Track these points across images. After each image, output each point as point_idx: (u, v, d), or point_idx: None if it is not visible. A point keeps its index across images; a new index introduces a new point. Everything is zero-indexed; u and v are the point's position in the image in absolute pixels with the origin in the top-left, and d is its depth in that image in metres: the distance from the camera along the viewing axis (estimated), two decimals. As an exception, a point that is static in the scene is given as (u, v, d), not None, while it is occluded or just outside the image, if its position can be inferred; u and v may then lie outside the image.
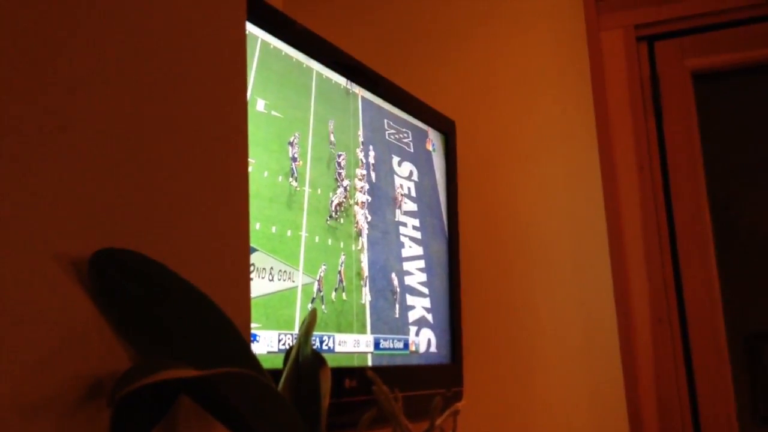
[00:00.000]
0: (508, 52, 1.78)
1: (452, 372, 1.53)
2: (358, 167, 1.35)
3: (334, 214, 1.26)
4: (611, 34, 1.69)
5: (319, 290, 1.18)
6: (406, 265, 1.48)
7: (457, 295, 1.58)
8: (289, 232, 1.14)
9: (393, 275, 1.42)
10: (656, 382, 1.55)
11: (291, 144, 1.16)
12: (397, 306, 1.41)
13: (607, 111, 1.66)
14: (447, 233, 1.61)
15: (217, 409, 0.54)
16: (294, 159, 1.16)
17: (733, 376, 1.60)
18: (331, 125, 1.28)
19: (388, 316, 1.37)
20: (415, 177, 1.54)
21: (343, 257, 1.26)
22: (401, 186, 1.50)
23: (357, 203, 1.33)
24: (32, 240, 0.47)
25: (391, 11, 1.90)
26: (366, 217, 1.36)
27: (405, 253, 1.49)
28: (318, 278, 1.18)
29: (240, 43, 0.71)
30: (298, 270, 1.14)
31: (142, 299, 0.52)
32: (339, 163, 1.29)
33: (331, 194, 1.26)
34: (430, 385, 1.38)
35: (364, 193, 1.36)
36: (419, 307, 1.50)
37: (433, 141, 1.61)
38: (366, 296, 1.31)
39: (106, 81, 0.55)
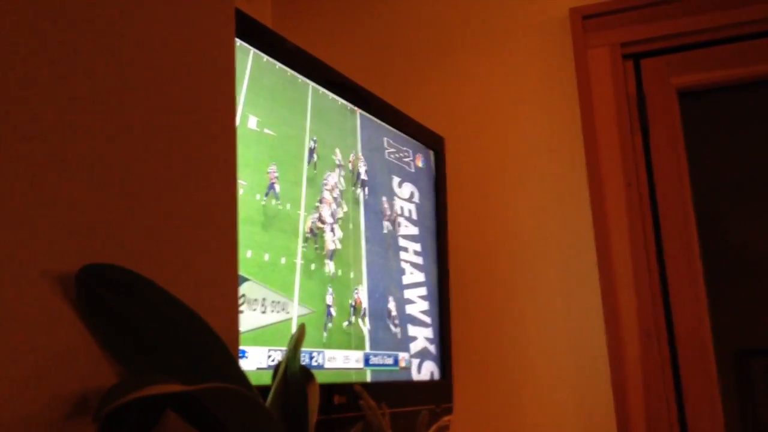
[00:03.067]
0: (496, 70, 1.80)
1: (442, 388, 1.53)
2: (355, 187, 1.29)
3: (309, 235, 1.18)
4: (598, 51, 1.71)
5: (329, 315, 1.15)
6: (408, 293, 1.40)
7: (446, 311, 1.58)
8: (283, 260, 1.07)
9: (391, 304, 1.33)
10: (645, 397, 1.55)
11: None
12: (398, 334, 1.33)
13: (594, 128, 1.68)
14: (436, 249, 1.61)
15: (204, 424, 0.54)
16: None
17: (721, 391, 1.61)
18: (329, 143, 1.25)
19: (387, 345, 1.30)
20: (416, 199, 1.49)
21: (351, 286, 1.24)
22: (401, 208, 1.43)
23: (347, 227, 1.29)
24: (17, 255, 0.47)
25: (381, 28, 1.92)
26: (363, 241, 1.28)
27: (406, 279, 1.40)
28: (328, 304, 1.15)
29: (228, 61, 0.71)
30: (292, 301, 1.07)
31: (128, 315, 0.52)
32: (325, 184, 1.24)
33: (310, 217, 1.19)
34: (419, 401, 1.38)
35: (361, 217, 1.29)
36: (421, 338, 1.43)
37: (423, 157, 1.62)
38: (365, 327, 1.25)
39: (93, 95, 0.55)
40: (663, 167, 1.67)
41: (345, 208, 1.28)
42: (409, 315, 1.40)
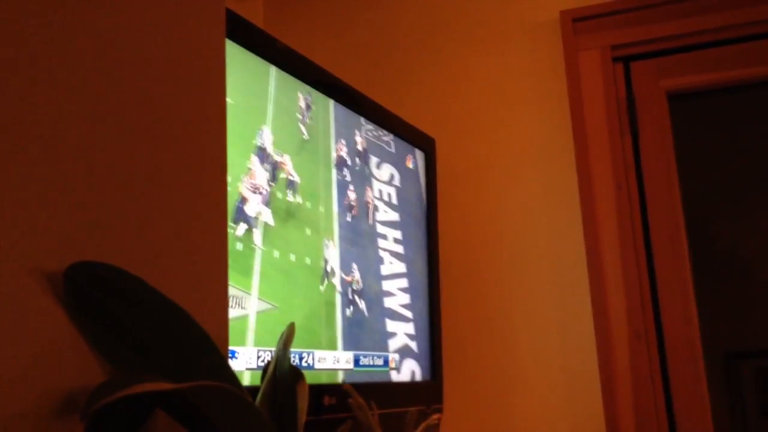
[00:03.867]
0: (487, 72, 1.80)
1: (432, 389, 1.53)
2: (330, 167, 1.19)
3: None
4: (588, 54, 1.72)
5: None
6: (387, 285, 1.30)
7: (437, 312, 1.59)
8: (239, 245, 0.96)
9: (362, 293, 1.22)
10: (634, 398, 1.56)
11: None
12: (374, 329, 1.24)
13: (584, 130, 1.68)
14: (427, 249, 1.61)
15: (193, 423, 0.54)
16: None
17: (711, 393, 1.62)
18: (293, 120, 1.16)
19: (364, 342, 1.21)
20: (396, 181, 1.39)
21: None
22: (380, 192, 1.32)
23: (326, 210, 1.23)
24: (5, 253, 0.47)
25: (373, 29, 1.92)
26: (337, 227, 1.17)
27: (385, 270, 1.30)
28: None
29: (219, 61, 0.71)
30: (250, 294, 0.97)
31: (117, 313, 0.52)
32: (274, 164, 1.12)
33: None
34: (410, 402, 1.38)
35: (333, 198, 1.18)
36: (401, 333, 1.35)
37: (414, 158, 1.62)
38: (338, 317, 1.16)
39: (82, 93, 0.55)
40: (652, 169, 1.68)
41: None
42: (389, 309, 1.30)
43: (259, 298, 0.98)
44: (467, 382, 1.68)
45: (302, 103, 1.22)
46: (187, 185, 0.64)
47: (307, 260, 1.14)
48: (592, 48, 1.72)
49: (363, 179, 1.32)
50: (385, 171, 1.36)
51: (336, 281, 1.22)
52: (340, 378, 1.22)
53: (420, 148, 1.64)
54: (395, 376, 1.40)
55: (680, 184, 1.69)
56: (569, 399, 1.61)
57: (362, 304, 1.29)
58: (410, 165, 1.60)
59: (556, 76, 1.74)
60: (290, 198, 1.12)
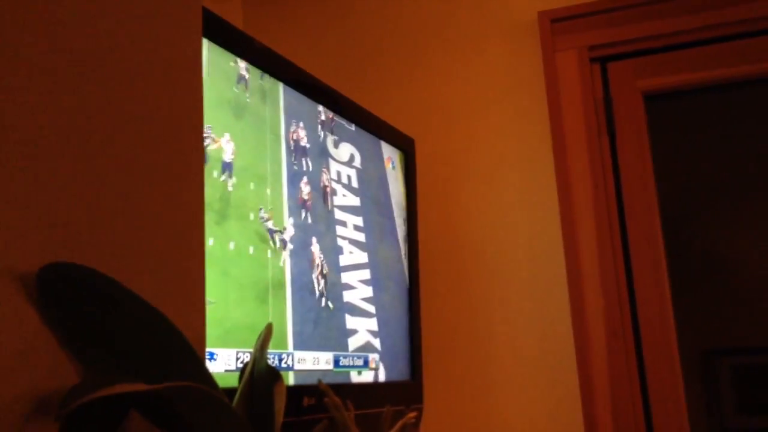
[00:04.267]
0: (466, 72, 1.81)
1: (412, 389, 1.53)
2: (278, 149, 1.10)
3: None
4: (566, 55, 1.73)
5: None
6: (346, 277, 1.19)
7: (416, 313, 1.59)
8: None
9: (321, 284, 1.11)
10: (612, 395, 1.57)
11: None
12: (333, 327, 1.14)
13: (562, 130, 1.69)
14: (406, 250, 1.61)
15: (168, 424, 0.54)
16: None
17: (687, 390, 1.63)
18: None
19: (317, 341, 1.14)
20: (357, 162, 1.28)
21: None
22: (338, 173, 1.20)
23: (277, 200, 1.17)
24: (-22, 254, 0.46)
25: (351, 30, 1.92)
26: (287, 211, 1.05)
27: (344, 260, 1.19)
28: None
29: (195, 61, 0.71)
30: None
31: (91, 314, 0.51)
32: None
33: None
34: (390, 402, 1.38)
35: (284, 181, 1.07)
36: (363, 330, 1.27)
37: (393, 159, 1.62)
38: (288, 313, 1.06)
39: (57, 93, 0.54)
40: (629, 169, 1.69)
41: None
42: (348, 303, 1.20)
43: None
44: (447, 381, 1.69)
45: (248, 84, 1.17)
46: (163, 186, 0.64)
47: (251, 249, 1.05)
48: (570, 48, 1.73)
49: (319, 159, 1.20)
50: (344, 150, 1.23)
51: (287, 272, 1.14)
52: (321, 379, 1.21)
53: (399, 149, 1.65)
54: (375, 377, 1.40)
55: (656, 183, 1.71)
56: (548, 397, 1.62)
57: (324, 297, 1.21)
58: (389, 166, 1.60)
59: (534, 76, 1.75)
60: (225, 179, 1.04)
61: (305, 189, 1.19)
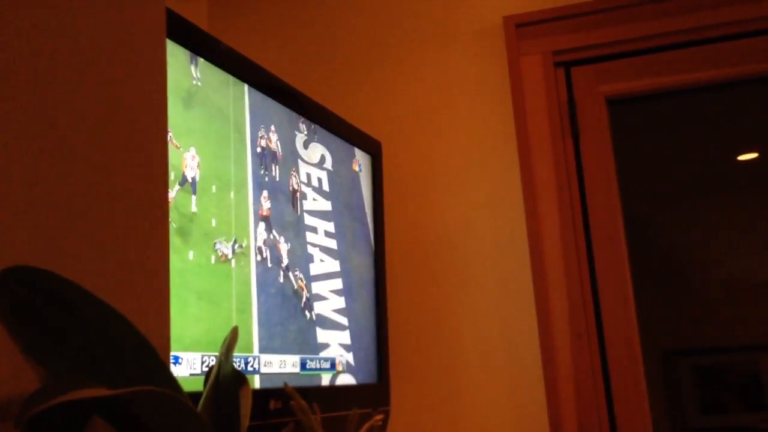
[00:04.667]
0: (432, 75, 1.82)
1: (378, 391, 1.53)
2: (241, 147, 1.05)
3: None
4: (530, 59, 1.75)
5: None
6: (317, 287, 1.14)
7: (383, 315, 1.59)
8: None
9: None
10: (576, 395, 1.59)
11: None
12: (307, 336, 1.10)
13: (527, 133, 1.71)
14: (373, 252, 1.61)
15: (131, 429, 0.53)
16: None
17: (649, 389, 1.66)
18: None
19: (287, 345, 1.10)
20: (328, 164, 1.23)
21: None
22: (308, 176, 1.14)
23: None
24: (-66, 257, 0.45)
25: (318, 32, 1.92)
26: (253, 217, 1.00)
27: (315, 269, 1.14)
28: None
29: (159, 63, 0.70)
30: None
31: (52, 318, 0.50)
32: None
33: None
34: (356, 405, 1.38)
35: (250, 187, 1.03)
36: (335, 345, 1.22)
37: (360, 162, 1.62)
38: (255, 330, 1.03)
39: (16, 94, 0.54)
40: (592, 172, 1.72)
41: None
42: (319, 315, 1.15)
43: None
44: (414, 383, 1.69)
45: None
46: (126, 189, 0.63)
47: (212, 258, 1.02)
48: (535, 53, 1.75)
49: (288, 161, 1.14)
50: (315, 151, 1.16)
51: (253, 280, 1.12)
52: (288, 382, 1.20)
53: (366, 151, 1.65)
54: (342, 380, 1.40)
55: (619, 186, 1.73)
56: (514, 397, 1.63)
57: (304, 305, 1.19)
58: (356, 168, 1.61)
59: (500, 80, 1.76)
60: (187, 195, 1.00)
61: (265, 204, 1.16)
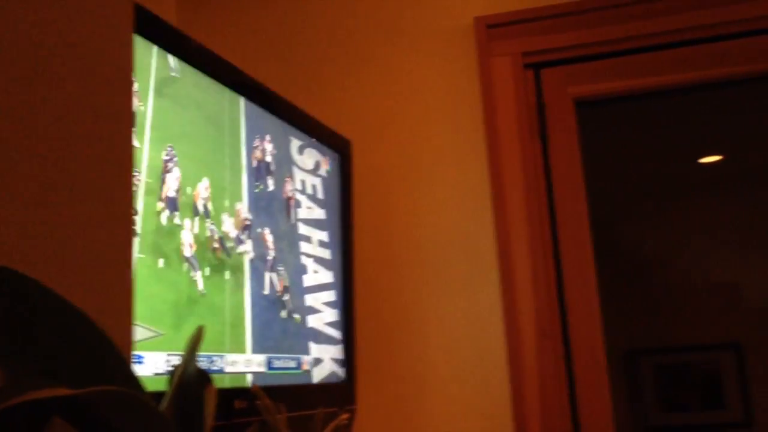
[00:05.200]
0: (403, 75, 1.82)
1: (345, 391, 1.53)
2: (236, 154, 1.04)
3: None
4: (501, 60, 1.76)
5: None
6: (311, 299, 1.11)
7: (351, 314, 1.59)
8: None
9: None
10: (540, 394, 1.61)
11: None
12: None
13: (496, 134, 1.72)
14: (342, 250, 1.61)
15: (92, 430, 0.52)
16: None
17: (612, 388, 1.69)
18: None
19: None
20: (322, 171, 1.18)
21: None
22: (303, 183, 1.11)
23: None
24: None
25: (289, 30, 1.91)
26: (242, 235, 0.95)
27: (308, 280, 1.11)
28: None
29: (126, 59, 0.70)
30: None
31: (13, 316, 0.50)
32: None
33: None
34: (323, 404, 1.37)
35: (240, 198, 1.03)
36: (327, 360, 1.16)
37: (329, 161, 1.62)
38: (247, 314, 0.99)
39: (-22, 89, 0.53)
40: (560, 173, 1.73)
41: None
42: (312, 329, 1.11)
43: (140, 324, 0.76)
44: (381, 382, 1.70)
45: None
46: (91, 187, 0.62)
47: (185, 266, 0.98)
48: (505, 54, 1.76)
49: (281, 168, 1.11)
50: (309, 157, 1.12)
51: (246, 292, 1.12)
52: (251, 382, 1.20)
53: (335, 150, 1.65)
54: (309, 379, 1.39)
55: (587, 187, 1.75)
56: (479, 395, 1.65)
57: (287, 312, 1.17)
58: (327, 167, 1.60)
59: (470, 80, 1.77)
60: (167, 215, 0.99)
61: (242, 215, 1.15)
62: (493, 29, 1.77)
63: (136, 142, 0.96)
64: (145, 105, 1.02)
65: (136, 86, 0.89)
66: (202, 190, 1.06)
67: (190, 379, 0.64)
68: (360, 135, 1.78)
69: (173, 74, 1.06)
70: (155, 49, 1.07)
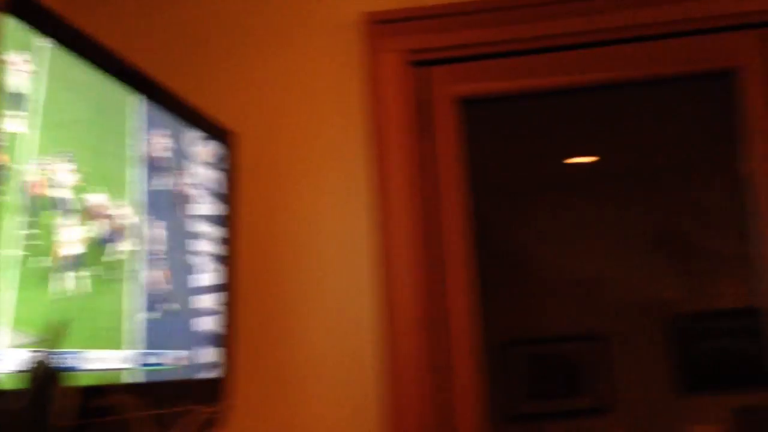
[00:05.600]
0: (290, 68, 1.81)
1: (221, 386, 1.51)
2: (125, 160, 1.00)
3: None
4: (387, 56, 1.77)
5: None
6: (192, 295, 1.06)
7: (231, 310, 1.57)
8: None
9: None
10: (417, 385, 1.64)
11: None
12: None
13: (381, 130, 1.74)
14: (223, 243, 1.58)
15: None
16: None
17: (490, 379, 1.75)
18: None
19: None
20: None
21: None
22: (194, 176, 1.08)
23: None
24: None
25: (174, 20, 1.86)
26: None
27: (192, 276, 1.06)
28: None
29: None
30: None
31: None
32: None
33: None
34: (198, 400, 1.35)
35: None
36: (204, 355, 1.17)
37: (213, 152, 1.59)
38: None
39: None
40: (444, 171, 1.77)
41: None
42: (190, 325, 1.08)
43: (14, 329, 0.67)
44: (260, 378, 1.69)
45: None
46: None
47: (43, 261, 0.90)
48: (392, 51, 1.77)
49: (171, 161, 1.06)
50: (200, 150, 1.08)
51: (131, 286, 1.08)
52: (119, 378, 1.15)
53: (218, 140, 1.61)
54: (185, 374, 1.36)
55: (470, 185, 1.79)
56: (354, 387, 1.67)
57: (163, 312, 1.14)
58: (211, 158, 1.57)
59: (357, 76, 1.78)
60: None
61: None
62: (380, 25, 1.77)
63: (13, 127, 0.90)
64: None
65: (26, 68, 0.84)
66: (68, 177, 1.01)
67: (42, 377, 0.61)
68: (248, 129, 1.76)
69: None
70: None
